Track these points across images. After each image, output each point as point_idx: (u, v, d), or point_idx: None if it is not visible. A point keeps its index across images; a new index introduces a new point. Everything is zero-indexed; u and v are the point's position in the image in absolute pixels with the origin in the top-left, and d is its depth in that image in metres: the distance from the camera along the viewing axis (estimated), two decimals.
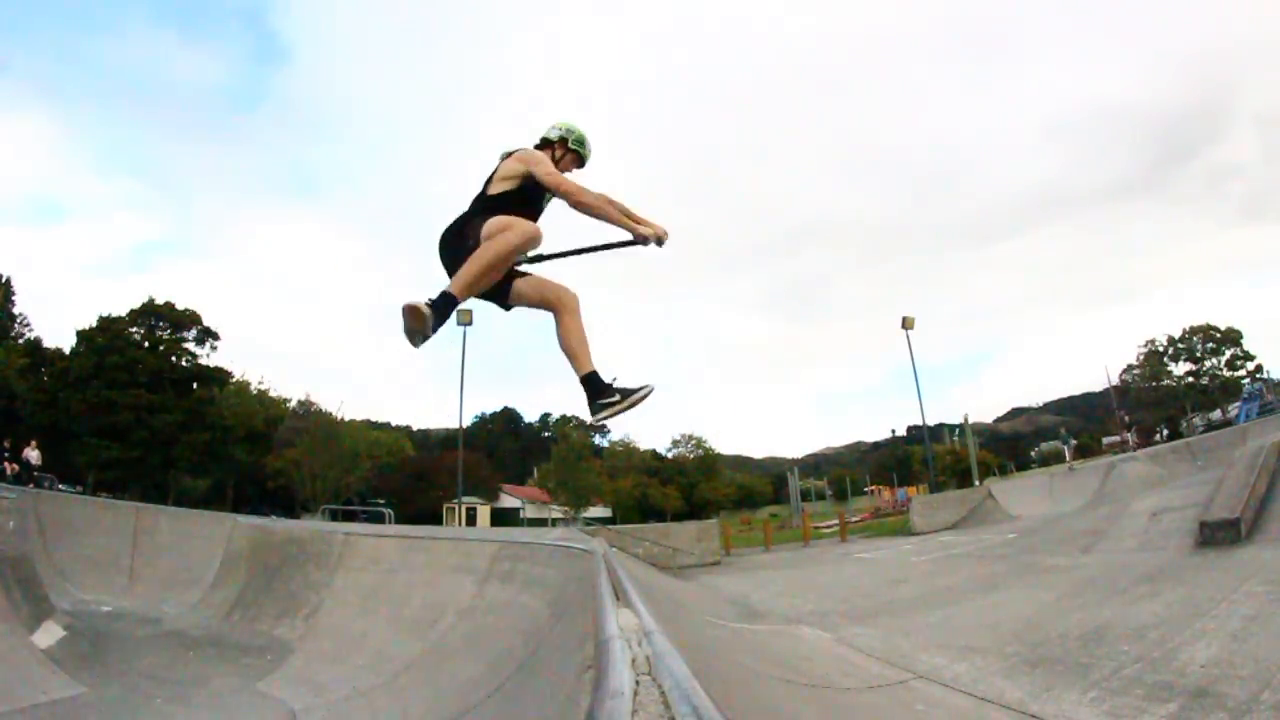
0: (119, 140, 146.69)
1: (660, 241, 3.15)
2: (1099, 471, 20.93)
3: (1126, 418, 42.56)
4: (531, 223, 2.90)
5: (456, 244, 2.89)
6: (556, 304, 3.06)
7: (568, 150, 3.33)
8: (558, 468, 50.15)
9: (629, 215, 3.09)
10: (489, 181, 3.13)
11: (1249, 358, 49.18)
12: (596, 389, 2.98)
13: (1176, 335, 52.21)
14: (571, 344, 3.02)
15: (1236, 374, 48.51)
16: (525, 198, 3.05)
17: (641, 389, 2.97)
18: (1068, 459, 23.64)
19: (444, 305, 2.67)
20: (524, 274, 3.15)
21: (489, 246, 2.73)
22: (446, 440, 59.72)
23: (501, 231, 2.74)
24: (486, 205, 3.01)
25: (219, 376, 42.23)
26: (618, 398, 2.95)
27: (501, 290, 3.07)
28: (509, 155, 3.16)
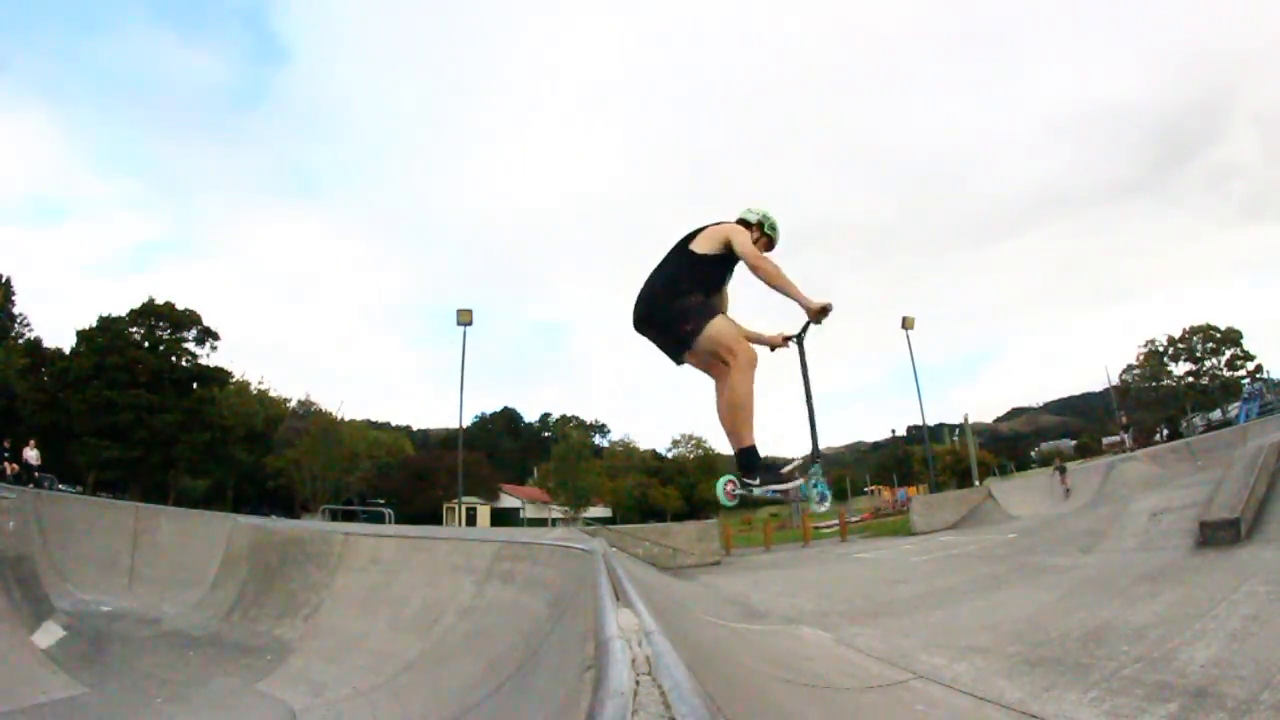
0: (119, 140, 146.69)
1: (825, 313, 3.33)
2: (1099, 471, 20.94)
3: (1124, 419, 42.44)
4: (753, 350, 3.24)
5: (672, 318, 3.22)
6: (723, 379, 3.26)
7: (763, 234, 3.70)
8: (558, 468, 50.21)
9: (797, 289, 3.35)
10: (693, 238, 3.42)
11: (1249, 358, 49.20)
12: (745, 465, 3.18)
13: (1176, 335, 52.26)
14: (728, 400, 3.23)
15: (1236, 374, 48.51)
16: (724, 262, 3.39)
17: (791, 483, 3.19)
18: (1063, 483, 21.43)
19: (750, 460, 3.08)
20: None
21: (741, 392, 3.09)
22: (446, 440, 59.69)
23: (735, 355, 3.09)
24: (692, 263, 3.33)
25: (219, 376, 42.24)
26: (757, 480, 3.15)
27: (679, 350, 3.33)
28: (714, 225, 3.48)
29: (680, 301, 3.20)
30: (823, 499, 3.36)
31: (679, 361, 3.33)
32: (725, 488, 3.16)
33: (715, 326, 3.12)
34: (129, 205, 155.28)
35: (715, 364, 3.24)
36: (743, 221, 3.68)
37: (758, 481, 3.12)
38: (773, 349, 3.53)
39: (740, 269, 3.49)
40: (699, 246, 3.35)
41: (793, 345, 3.54)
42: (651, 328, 3.31)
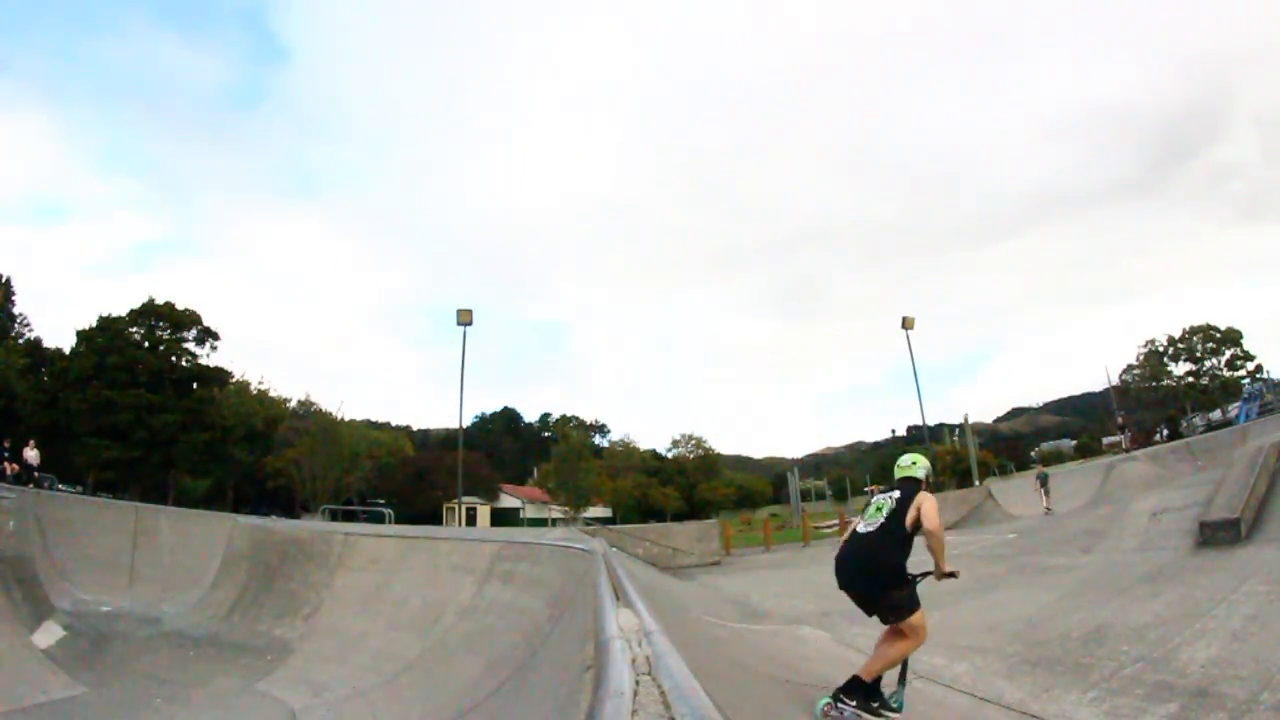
0: (119, 140, 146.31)
1: (949, 576, 3.81)
2: (1099, 471, 20.93)
3: (1121, 419, 42.28)
4: (926, 636, 3.65)
5: (886, 607, 3.60)
6: (906, 636, 3.60)
7: (928, 484, 4.06)
8: (558, 468, 50.18)
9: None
10: (905, 505, 3.75)
11: (1249, 358, 49.16)
12: (854, 689, 3.47)
13: (1176, 335, 52.23)
14: (885, 652, 3.60)
15: (1236, 374, 48.49)
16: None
17: (877, 716, 3.45)
18: (1044, 503, 19.05)
19: (861, 689, 3.45)
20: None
21: (905, 649, 3.57)
22: (446, 440, 59.72)
23: (915, 635, 3.56)
24: (906, 539, 3.71)
25: (219, 376, 42.20)
26: (854, 704, 3.44)
27: (873, 615, 3.72)
28: (920, 489, 3.87)
29: (898, 593, 3.57)
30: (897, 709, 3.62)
31: (869, 615, 3.75)
32: (822, 708, 3.46)
33: (917, 617, 3.56)
34: (129, 205, 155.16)
35: (902, 627, 3.63)
36: (911, 479, 3.97)
37: (854, 704, 3.44)
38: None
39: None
40: (910, 522, 3.70)
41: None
42: (863, 600, 3.70)
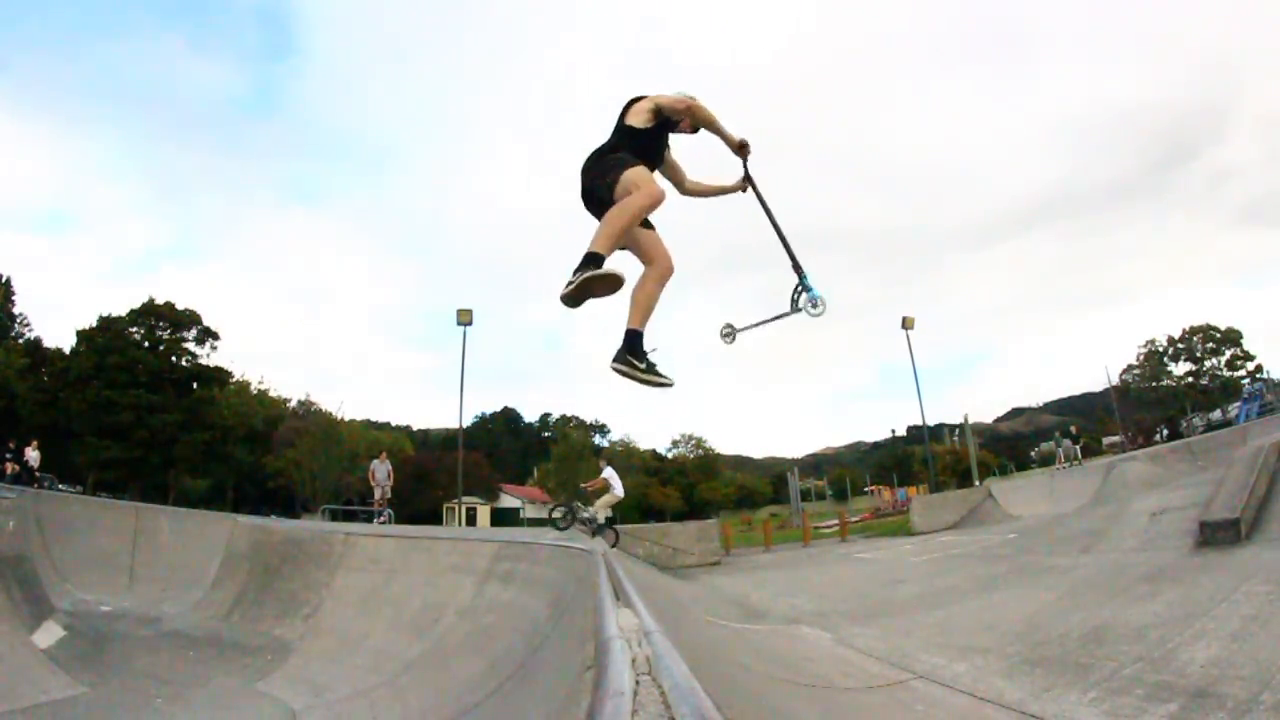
0: (124, 144, 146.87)
1: (746, 148, 3.60)
2: (1099, 471, 20.92)
3: (1073, 429, 42.67)
4: (658, 186, 3.07)
5: (596, 173, 3.17)
6: (653, 262, 3.19)
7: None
8: (558, 468, 50.24)
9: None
10: (622, 115, 3.38)
11: (1249, 358, 49.23)
12: (630, 347, 3.06)
13: (1176, 335, 52.28)
14: (639, 298, 3.11)
15: (1236, 374, 48.54)
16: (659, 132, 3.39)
17: (664, 379, 3.11)
18: (1061, 460, 20.84)
19: (590, 262, 2.86)
20: (650, 226, 3.30)
21: (623, 208, 2.93)
22: (446, 440, 59.77)
23: (632, 191, 2.95)
24: (627, 134, 3.31)
25: (219, 376, 42.24)
26: (643, 366, 3.04)
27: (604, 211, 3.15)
28: (637, 99, 3.41)
29: (604, 159, 3.17)
30: (816, 303, 3.45)
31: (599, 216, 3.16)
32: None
33: (631, 173, 3.00)
34: (133, 209, 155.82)
35: (654, 250, 3.17)
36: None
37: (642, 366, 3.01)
38: (743, 190, 3.75)
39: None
40: (631, 119, 3.33)
41: (745, 184, 3.74)
42: (590, 200, 3.22)
